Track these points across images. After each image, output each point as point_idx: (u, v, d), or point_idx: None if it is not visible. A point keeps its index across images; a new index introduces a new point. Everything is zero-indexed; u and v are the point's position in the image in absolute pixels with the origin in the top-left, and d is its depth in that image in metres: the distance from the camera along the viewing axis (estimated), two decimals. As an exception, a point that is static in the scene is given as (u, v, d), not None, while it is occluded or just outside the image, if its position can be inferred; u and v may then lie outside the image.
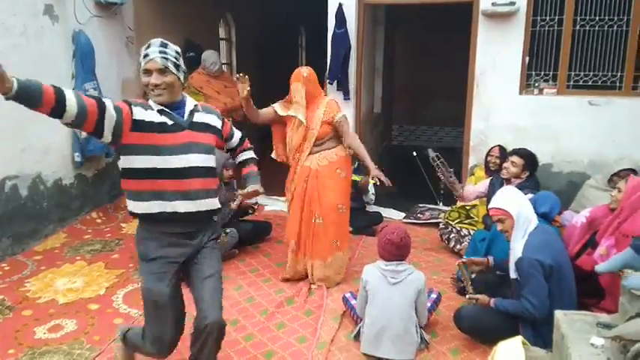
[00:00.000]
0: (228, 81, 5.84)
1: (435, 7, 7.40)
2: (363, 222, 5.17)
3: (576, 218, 3.70)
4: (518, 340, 2.42)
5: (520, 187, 4.00)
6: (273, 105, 4.03)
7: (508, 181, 4.12)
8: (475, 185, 4.51)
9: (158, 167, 2.31)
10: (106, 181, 5.73)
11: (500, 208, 3.01)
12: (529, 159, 4.13)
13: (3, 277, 4.11)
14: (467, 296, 3.19)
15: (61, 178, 5.08)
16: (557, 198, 3.57)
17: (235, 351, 3.12)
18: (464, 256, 3.47)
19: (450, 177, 4.24)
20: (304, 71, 3.89)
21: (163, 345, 2.54)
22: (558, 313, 2.45)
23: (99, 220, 5.39)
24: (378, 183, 3.99)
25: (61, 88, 2.23)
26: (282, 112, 3.97)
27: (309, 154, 3.91)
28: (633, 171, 4.08)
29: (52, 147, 4.93)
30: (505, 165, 4.16)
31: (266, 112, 4.00)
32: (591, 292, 3.26)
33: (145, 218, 2.45)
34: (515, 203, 3.00)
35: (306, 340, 3.23)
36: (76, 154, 5.17)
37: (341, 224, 4.00)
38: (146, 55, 2.32)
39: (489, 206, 3.15)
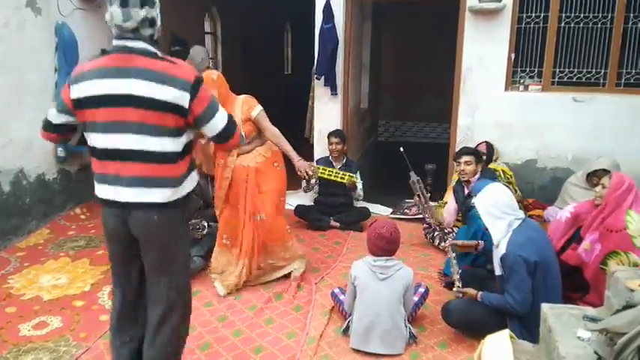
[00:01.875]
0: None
1: (422, 3, 7.41)
2: (350, 217, 5.18)
3: (561, 213, 3.75)
4: (505, 333, 2.44)
5: (480, 181, 4.08)
6: None
7: (468, 183, 4.20)
8: (445, 207, 4.52)
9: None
10: (90, 176, 5.60)
11: (476, 206, 3.12)
12: (476, 153, 4.31)
13: (-15, 273, 4.05)
14: (454, 289, 3.21)
15: (44, 174, 5.01)
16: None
17: (224, 347, 3.10)
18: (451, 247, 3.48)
19: (426, 204, 4.32)
20: (214, 74, 3.77)
21: None
22: (545, 307, 2.47)
23: (83, 216, 5.33)
24: (306, 177, 3.94)
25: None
26: None
27: (241, 154, 3.77)
28: (607, 172, 4.16)
29: (34, 142, 4.84)
30: (460, 168, 4.25)
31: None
32: (576, 286, 3.31)
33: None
34: (481, 202, 3.07)
35: (295, 336, 3.23)
36: (59, 149, 5.10)
37: (281, 218, 3.96)
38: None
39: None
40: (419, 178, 4.38)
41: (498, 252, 2.99)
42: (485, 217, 3.05)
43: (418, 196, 4.41)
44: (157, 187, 2.14)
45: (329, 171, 5.11)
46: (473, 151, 4.31)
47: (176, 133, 2.11)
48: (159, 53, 2.13)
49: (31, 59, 4.78)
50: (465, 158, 4.22)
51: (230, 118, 2.26)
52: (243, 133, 2.53)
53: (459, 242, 3.52)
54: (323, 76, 5.58)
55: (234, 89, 3.79)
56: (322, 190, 5.30)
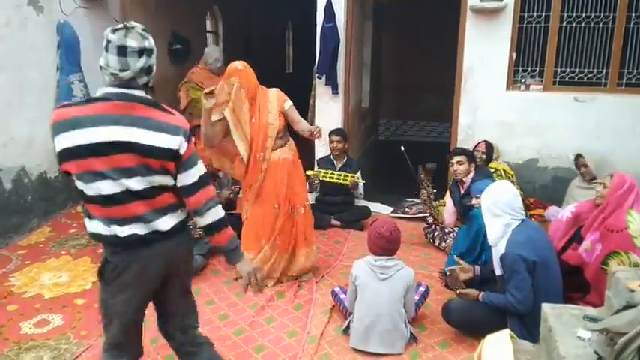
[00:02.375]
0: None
1: (423, 3, 7.40)
2: (351, 216, 5.19)
3: (562, 213, 3.75)
4: (505, 333, 2.45)
5: (474, 181, 4.10)
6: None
7: (463, 182, 4.20)
8: (445, 208, 4.50)
9: None
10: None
11: (479, 203, 3.16)
12: (468, 153, 4.32)
13: (-13, 271, 4.06)
14: (457, 292, 3.22)
15: (45, 172, 5.02)
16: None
17: (226, 346, 3.11)
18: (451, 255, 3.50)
19: (431, 202, 4.30)
20: (239, 64, 3.70)
21: None
22: (546, 307, 2.48)
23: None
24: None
25: None
26: (222, 115, 3.67)
27: (274, 149, 3.77)
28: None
29: (35, 140, 4.86)
30: (453, 169, 4.26)
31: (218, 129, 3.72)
32: (576, 286, 3.31)
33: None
34: (484, 201, 3.09)
35: (296, 334, 3.24)
36: (61, 147, 5.10)
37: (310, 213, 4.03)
38: None
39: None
40: (429, 168, 4.36)
41: (498, 251, 2.99)
42: (485, 214, 3.06)
43: (424, 189, 4.36)
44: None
45: (330, 174, 5.12)
46: (464, 152, 4.33)
47: (165, 174, 2.06)
48: (160, 104, 2.09)
49: (33, 58, 4.78)
50: (456, 158, 4.24)
51: (204, 176, 2.15)
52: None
53: (457, 269, 3.44)
54: (324, 75, 5.59)
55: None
56: (323, 190, 5.31)
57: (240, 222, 4.81)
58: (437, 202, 4.77)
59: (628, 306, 1.91)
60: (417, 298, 3.29)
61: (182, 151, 2.04)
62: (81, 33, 5.20)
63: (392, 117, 10.70)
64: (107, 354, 2.27)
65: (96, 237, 2.11)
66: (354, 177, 5.07)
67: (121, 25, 1.99)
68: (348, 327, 3.18)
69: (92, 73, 5.44)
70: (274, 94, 3.83)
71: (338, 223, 5.15)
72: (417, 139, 10.25)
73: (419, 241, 4.80)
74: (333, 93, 5.66)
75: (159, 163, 2.01)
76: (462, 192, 4.24)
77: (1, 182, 4.50)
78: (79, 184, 2.02)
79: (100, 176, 1.97)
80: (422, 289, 3.41)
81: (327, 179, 5.09)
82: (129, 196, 2.01)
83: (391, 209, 5.63)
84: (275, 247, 3.85)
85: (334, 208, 5.22)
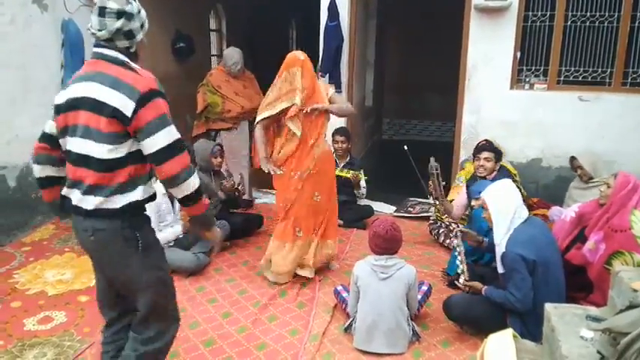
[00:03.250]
0: (247, 81, 5.59)
1: (427, 1, 7.40)
2: (353, 215, 5.18)
3: (566, 213, 3.74)
4: (508, 332, 2.44)
5: (496, 179, 4.06)
6: (263, 115, 3.79)
7: (484, 179, 4.16)
8: (456, 200, 4.48)
9: None
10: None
11: (483, 198, 3.12)
12: (497, 150, 4.24)
13: (-9, 268, 4.07)
14: (461, 281, 3.21)
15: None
16: None
17: (228, 343, 3.11)
18: (457, 245, 3.47)
19: (440, 193, 4.26)
20: (300, 54, 3.74)
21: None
22: (548, 306, 2.47)
23: (88, 212, 5.34)
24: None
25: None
26: (274, 111, 3.74)
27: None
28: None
29: (40, 138, 4.87)
30: (479, 164, 4.17)
31: (264, 131, 3.85)
32: (580, 286, 3.30)
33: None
34: (493, 197, 3.06)
35: (298, 333, 3.24)
36: (65, 145, 5.12)
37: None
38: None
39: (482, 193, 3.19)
40: (437, 164, 4.31)
41: (500, 250, 2.99)
42: (494, 213, 3.02)
43: (433, 182, 4.32)
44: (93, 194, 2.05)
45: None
46: (494, 148, 4.22)
47: (115, 141, 1.99)
48: (129, 63, 2.06)
49: (37, 56, 4.79)
50: (485, 154, 4.14)
51: (177, 142, 2.02)
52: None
53: (466, 230, 3.47)
54: (327, 74, 5.58)
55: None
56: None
57: (260, 221, 4.86)
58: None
59: (631, 306, 1.91)
60: (419, 296, 3.28)
61: (128, 113, 1.93)
62: (85, 31, 5.18)
63: (395, 116, 10.70)
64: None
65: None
66: (356, 173, 5.08)
67: None
68: (349, 326, 3.18)
69: (96, 71, 5.46)
70: (321, 84, 3.94)
71: (340, 222, 5.14)
72: (420, 139, 10.25)
73: (422, 240, 4.79)
74: (336, 91, 5.64)
75: (103, 121, 1.95)
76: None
77: (5, 179, 4.52)
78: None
79: (63, 132, 2.08)
80: (424, 288, 3.40)
81: None
82: (75, 157, 2.04)
83: (394, 208, 5.62)
84: (313, 236, 3.91)
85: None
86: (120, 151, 2.00)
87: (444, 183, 4.31)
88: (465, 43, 5.29)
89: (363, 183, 5.23)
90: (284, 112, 3.73)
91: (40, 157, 2.23)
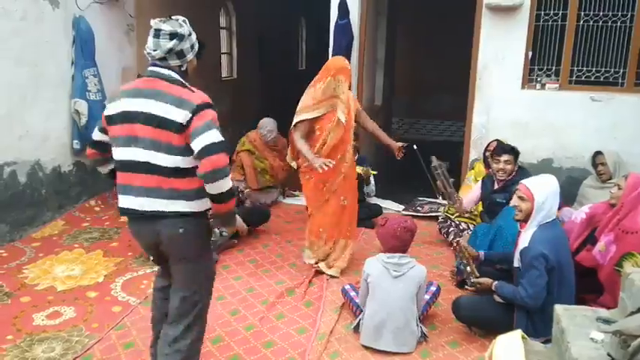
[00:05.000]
0: (281, 146, 5.67)
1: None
2: (362, 214, 5.14)
3: (576, 214, 3.71)
4: (517, 333, 2.43)
5: (514, 182, 4.02)
6: (299, 119, 3.83)
7: (500, 181, 4.13)
8: (469, 194, 4.46)
9: None
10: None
11: (529, 189, 2.97)
12: (515, 152, 4.18)
13: (1, 263, 4.10)
14: (471, 279, 3.19)
15: (59, 165, 5.06)
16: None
17: (235, 341, 3.12)
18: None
19: (449, 188, 4.22)
20: (346, 63, 3.84)
21: None
22: (559, 308, 2.45)
23: (97, 209, 5.37)
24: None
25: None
26: (314, 114, 3.80)
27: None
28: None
29: (51, 134, 4.91)
30: (499, 167, 4.10)
31: (303, 136, 3.86)
32: (590, 287, 3.27)
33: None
34: (544, 193, 2.94)
35: (305, 331, 3.24)
36: (75, 141, 5.15)
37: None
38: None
39: (522, 181, 3.10)
40: (440, 162, 4.29)
41: (520, 245, 2.96)
42: (538, 206, 2.94)
43: (439, 176, 4.28)
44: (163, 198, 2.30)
45: None
46: (512, 149, 4.16)
47: (183, 151, 2.23)
48: (184, 82, 2.31)
49: (48, 52, 4.82)
50: (505, 157, 4.07)
51: (221, 144, 2.23)
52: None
53: (464, 243, 3.43)
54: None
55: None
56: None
57: (266, 216, 4.88)
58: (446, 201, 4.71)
59: (642, 308, 1.89)
60: (427, 297, 3.27)
61: (185, 123, 2.18)
62: (96, 28, 5.23)
63: (405, 115, 10.67)
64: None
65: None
66: (366, 168, 5.11)
67: (166, 17, 2.31)
68: (357, 325, 3.18)
69: (106, 68, 5.49)
70: (351, 96, 3.99)
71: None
72: (429, 138, 10.21)
73: (430, 240, 4.78)
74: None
75: (166, 134, 2.19)
76: (497, 187, 4.18)
77: (16, 175, 4.55)
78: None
79: (118, 141, 2.28)
80: (433, 288, 3.39)
81: None
82: (135, 165, 2.25)
83: (403, 207, 5.61)
84: (340, 238, 4.01)
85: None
86: (185, 163, 2.25)
87: (452, 180, 4.29)
88: (476, 42, 5.26)
89: (372, 180, 5.22)
90: (321, 117, 3.79)
91: (96, 161, 2.56)
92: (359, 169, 5.12)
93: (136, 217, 2.35)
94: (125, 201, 2.33)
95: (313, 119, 3.80)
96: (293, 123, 3.88)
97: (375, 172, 5.24)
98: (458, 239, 3.45)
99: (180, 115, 2.18)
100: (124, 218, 5.06)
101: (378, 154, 7.40)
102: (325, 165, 3.65)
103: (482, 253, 3.42)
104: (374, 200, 5.49)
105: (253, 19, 10.18)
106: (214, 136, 2.20)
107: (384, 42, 7.88)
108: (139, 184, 2.27)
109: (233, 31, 9.62)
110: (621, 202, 3.21)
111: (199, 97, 2.25)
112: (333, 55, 5.51)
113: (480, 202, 4.42)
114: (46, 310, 3.43)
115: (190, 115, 2.18)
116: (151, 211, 2.28)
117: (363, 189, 5.32)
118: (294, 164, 4.10)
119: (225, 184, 2.23)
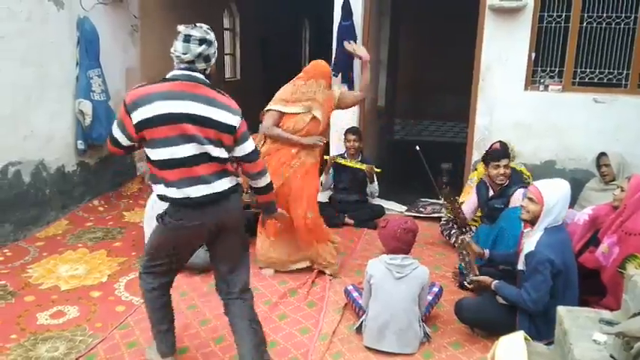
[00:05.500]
0: None
1: (441, 1, 7.36)
2: (365, 215, 5.18)
3: (579, 216, 3.71)
4: (519, 335, 2.43)
5: (510, 186, 4.02)
6: (274, 107, 3.85)
7: (497, 184, 4.13)
8: (466, 203, 4.44)
9: None
10: (108, 169, 5.73)
11: (540, 192, 2.94)
12: (509, 154, 4.19)
13: (5, 262, 4.11)
14: (470, 277, 3.19)
15: (63, 165, 5.08)
16: None
17: (237, 340, 3.12)
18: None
19: (457, 203, 4.20)
20: (330, 69, 3.93)
21: None
22: (561, 309, 2.46)
23: (101, 208, 5.40)
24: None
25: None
26: (286, 110, 3.83)
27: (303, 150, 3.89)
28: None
29: (55, 134, 4.93)
30: (500, 172, 4.08)
31: (274, 123, 3.87)
32: (593, 289, 3.27)
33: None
34: (555, 197, 2.92)
35: (308, 332, 3.24)
36: (79, 141, 5.17)
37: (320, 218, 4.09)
38: None
39: (535, 183, 3.10)
40: (449, 165, 4.26)
41: (526, 248, 2.96)
42: (546, 210, 2.92)
43: (444, 185, 4.28)
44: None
45: (346, 160, 5.22)
46: (508, 154, 4.17)
47: (221, 147, 2.48)
48: (214, 87, 2.53)
49: (53, 53, 4.84)
50: (504, 162, 4.05)
51: (256, 147, 2.66)
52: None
53: (468, 237, 3.42)
54: (340, 73, 5.58)
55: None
56: (337, 188, 5.32)
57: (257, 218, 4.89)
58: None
59: (645, 310, 1.89)
60: (430, 298, 3.27)
61: (238, 127, 2.49)
62: (100, 29, 5.26)
63: (408, 116, 10.67)
64: None
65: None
66: (370, 166, 5.16)
67: (192, 24, 2.47)
68: (360, 326, 3.18)
69: (111, 68, 5.52)
70: (335, 93, 3.99)
71: (351, 221, 5.15)
72: (432, 139, 10.21)
73: (433, 241, 4.78)
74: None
75: (216, 134, 2.42)
76: (493, 194, 4.18)
77: (20, 175, 4.57)
78: (149, 151, 2.44)
79: (167, 142, 2.39)
80: (435, 289, 3.39)
81: (343, 162, 5.18)
82: (193, 158, 2.42)
83: (405, 208, 5.61)
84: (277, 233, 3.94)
85: (348, 207, 5.23)
86: (223, 154, 2.50)
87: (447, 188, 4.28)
88: (479, 43, 5.26)
89: (375, 178, 5.23)
90: (291, 115, 3.82)
91: (120, 154, 2.72)
92: (363, 167, 5.15)
93: (202, 202, 2.47)
94: (189, 191, 2.44)
95: (283, 114, 3.84)
96: (266, 108, 3.89)
97: (379, 170, 5.25)
98: (463, 236, 3.42)
99: (234, 120, 2.47)
100: (128, 218, 5.18)
101: (380, 155, 7.41)
102: (320, 141, 3.83)
103: (487, 250, 3.42)
104: (376, 201, 5.50)
105: (256, 21, 10.20)
106: (252, 143, 2.62)
107: (387, 43, 7.89)
108: (202, 174, 2.45)
109: (236, 33, 9.64)
110: (624, 204, 3.21)
111: (235, 104, 2.55)
112: (336, 57, 5.54)
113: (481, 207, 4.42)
114: (49, 310, 3.44)
115: (240, 120, 2.50)
116: (217, 192, 2.49)
117: (365, 189, 5.34)
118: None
119: (267, 179, 2.71)
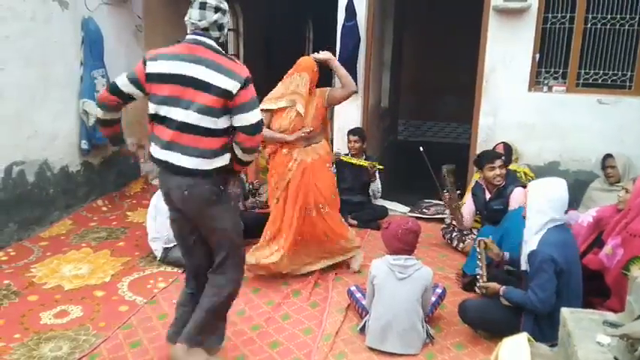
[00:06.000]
0: None
1: (445, 1, 7.35)
2: (368, 216, 5.18)
3: (583, 217, 3.70)
4: (523, 336, 2.42)
5: (506, 186, 4.01)
6: (262, 107, 3.77)
7: (494, 186, 4.12)
8: (464, 209, 4.42)
9: None
10: (112, 169, 5.74)
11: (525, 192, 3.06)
12: (504, 154, 4.21)
13: (9, 262, 4.12)
14: (478, 284, 3.17)
15: (67, 165, 5.09)
16: None
17: (241, 341, 3.13)
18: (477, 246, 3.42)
19: (457, 203, 4.20)
20: (314, 65, 3.88)
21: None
22: (565, 311, 2.45)
23: (105, 208, 5.41)
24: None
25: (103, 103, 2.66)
26: (273, 106, 3.87)
27: (306, 146, 3.90)
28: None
29: (59, 134, 4.94)
30: (496, 174, 4.08)
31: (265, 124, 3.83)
32: (597, 291, 3.26)
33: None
34: (532, 196, 2.98)
35: (311, 332, 3.24)
36: (83, 141, 5.19)
37: (337, 211, 4.11)
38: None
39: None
40: (452, 167, 4.26)
41: (528, 248, 2.95)
42: (531, 206, 2.96)
43: (447, 190, 4.27)
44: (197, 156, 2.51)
45: (349, 157, 5.24)
46: (502, 155, 4.21)
47: (220, 114, 2.47)
48: (222, 51, 2.55)
49: (57, 53, 4.85)
50: (498, 162, 4.07)
51: (261, 121, 2.57)
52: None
53: (489, 240, 3.37)
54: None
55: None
56: (341, 188, 5.31)
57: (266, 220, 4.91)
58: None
59: (650, 312, 1.88)
60: (433, 299, 3.27)
61: (234, 92, 2.43)
62: (104, 29, 5.27)
63: (411, 117, 10.65)
64: None
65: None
66: (373, 163, 5.16)
67: None
68: (363, 326, 3.18)
69: (115, 68, 5.52)
70: (318, 93, 3.96)
71: (355, 222, 5.14)
72: (436, 140, 10.19)
73: (436, 242, 4.77)
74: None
75: (210, 98, 2.42)
76: (490, 195, 4.18)
77: (24, 175, 4.58)
78: (150, 106, 2.51)
79: (162, 99, 2.47)
80: (439, 290, 3.39)
81: (345, 160, 5.20)
82: (181, 125, 2.46)
83: (408, 209, 5.60)
84: (284, 247, 3.85)
85: (351, 208, 5.21)
86: (220, 124, 2.48)
87: (458, 192, 4.27)
88: (483, 44, 5.26)
89: (377, 176, 5.21)
90: (279, 113, 3.86)
91: (108, 105, 2.64)
92: (365, 163, 5.14)
93: (167, 169, 2.55)
94: (163, 154, 2.51)
95: (272, 111, 3.87)
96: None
97: (381, 167, 5.24)
98: (483, 239, 3.38)
99: (230, 84, 2.43)
100: (131, 218, 5.19)
101: (384, 155, 7.41)
102: (303, 133, 3.79)
103: (507, 253, 3.39)
104: (380, 202, 5.49)
105: (260, 21, 10.21)
106: (258, 114, 2.52)
107: (391, 43, 7.89)
108: (184, 143, 2.47)
109: (240, 33, 9.65)
110: (629, 206, 3.20)
111: (244, 70, 2.50)
112: (339, 57, 5.53)
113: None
114: (53, 309, 3.45)
115: (240, 86, 2.44)
116: (183, 167, 2.49)
117: (368, 189, 5.33)
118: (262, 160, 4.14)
119: (252, 158, 2.65)
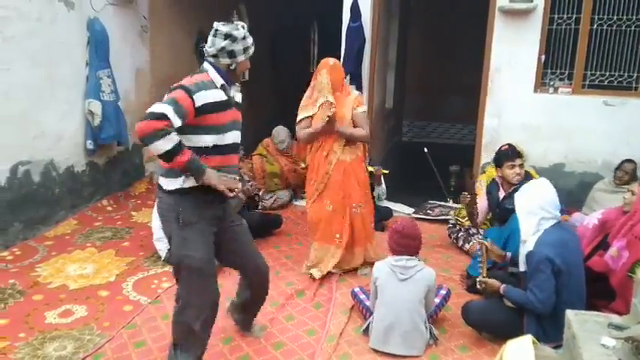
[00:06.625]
0: (294, 151, 5.91)
1: (450, 2, 7.34)
2: (373, 217, 5.16)
3: (588, 219, 3.70)
4: (527, 338, 2.41)
5: (520, 186, 4.00)
6: (300, 117, 4.00)
7: (510, 184, 4.09)
8: (478, 205, 4.41)
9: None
10: (117, 169, 5.76)
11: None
12: (522, 154, 4.17)
13: (14, 261, 4.14)
14: (478, 279, 3.17)
15: (73, 165, 5.11)
16: None
17: (246, 341, 3.13)
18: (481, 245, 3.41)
19: (475, 205, 4.17)
20: (331, 60, 3.97)
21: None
22: (569, 313, 2.44)
23: (110, 208, 5.42)
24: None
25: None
26: (311, 112, 3.94)
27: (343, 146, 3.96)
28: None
29: (64, 134, 4.96)
30: (516, 172, 4.04)
31: (307, 129, 3.96)
32: (602, 293, 3.25)
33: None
34: (522, 198, 3.01)
35: (315, 333, 3.24)
36: (89, 141, 5.20)
37: (371, 210, 4.19)
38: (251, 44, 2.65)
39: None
40: (457, 168, 4.25)
41: (525, 248, 2.95)
42: (519, 211, 2.98)
43: (471, 194, 4.25)
44: None
45: None
46: (521, 153, 4.15)
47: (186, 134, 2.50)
48: (207, 70, 2.57)
49: (63, 53, 4.87)
50: (518, 161, 4.01)
51: (150, 114, 2.33)
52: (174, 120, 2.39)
53: (488, 243, 3.37)
54: (349, 75, 5.57)
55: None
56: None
57: (279, 222, 4.89)
58: (458, 206, 4.70)
59: (655, 315, 1.87)
60: (437, 300, 3.26)
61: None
62: (110, 29, 5.29)
63: (416, 118, 10.62)
64: None
65: None
66: (380, 169, 5.18)
67: (232, 21, 2.62)
68: (367, 328, 3.18)
69: (120, 69, 5.55)
70: (354, 96, 4.03)
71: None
72: (440, 141, 10.16)
73: (440, 244, 4.76)
74: (359, 94, 5.63)
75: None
76: (505, 194, 4.15)
77: (30, 175, 4.60)
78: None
79: (227, 127, 2.60)
80: (443, 291, 3.38)
81: None
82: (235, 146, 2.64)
83: (413, 210, 5.59)
84: (341, 244, 3.98)
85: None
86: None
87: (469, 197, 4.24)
88: (488, 45, 5.25)
89: (383, 180, 5.22)
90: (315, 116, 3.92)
91: (156, 136, 2.43)
92: (370, 168, 5.14)
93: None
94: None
95: (311, 117, 3.95)
96: (297, 121, 4.03)
97: (386, 172, 5.25)
98: (483, 240, 3.37)
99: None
100: (136, 218, 5.20)
101: (388, 156, 7.41)
102: (329, 113, 3.74)
103: (509, 253, 3.38)
104: (384, 203, 5.48)
105: (266, 22, 10.21)
106: (157, 107, 2.34)
107: (396, 44, 7.89)
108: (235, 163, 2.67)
109: (245, 33, 9.66)
110: (634, 208, 3.20)
111: (185, 80, 2.47)
112: (344, 58, 5.54)
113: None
114: (58, 309, 3.46)
115: (166, 95, 2.47)
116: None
117: (373, 191, 5.32)
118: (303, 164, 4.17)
119: (153, 148, 2.34)
